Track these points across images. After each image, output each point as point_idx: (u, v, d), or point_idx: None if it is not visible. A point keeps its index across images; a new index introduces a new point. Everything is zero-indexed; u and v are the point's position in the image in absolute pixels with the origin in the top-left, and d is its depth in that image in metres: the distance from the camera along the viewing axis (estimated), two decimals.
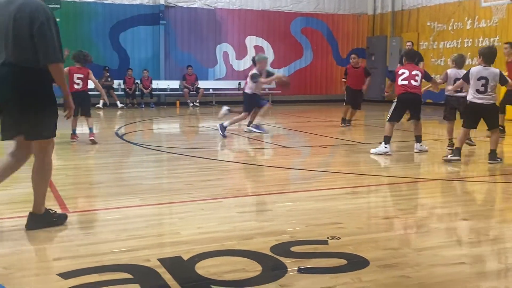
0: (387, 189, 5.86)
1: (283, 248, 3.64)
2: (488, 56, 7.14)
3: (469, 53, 16.82)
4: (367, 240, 3.87)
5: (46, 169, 4.09)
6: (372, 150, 8.05)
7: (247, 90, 10.24)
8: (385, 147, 7.92)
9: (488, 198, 5.50)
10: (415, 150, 8.18)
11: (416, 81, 8.05)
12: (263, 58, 10.57)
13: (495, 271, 3.39)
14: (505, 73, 8.71)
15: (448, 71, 8.40)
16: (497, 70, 7.22)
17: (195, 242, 3.76)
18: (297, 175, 6.66)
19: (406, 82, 8.02)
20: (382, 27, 20.93)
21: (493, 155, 7.22)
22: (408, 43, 13.86)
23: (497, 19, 14.20)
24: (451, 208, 4.97)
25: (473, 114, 7.25)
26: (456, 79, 8.06)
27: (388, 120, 8.11)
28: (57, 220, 4.18)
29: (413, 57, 8.83)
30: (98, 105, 15.79)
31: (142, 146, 8.93)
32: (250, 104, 10.26)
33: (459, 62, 8.46)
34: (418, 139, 8.19)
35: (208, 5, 19.30)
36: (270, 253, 3.53)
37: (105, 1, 17.90)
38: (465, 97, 7.57)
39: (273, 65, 19.89)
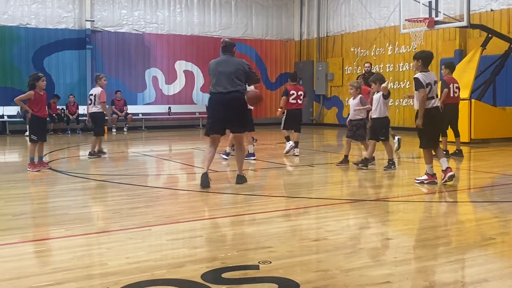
0: (316, 211, 5.98)
1: (214, 275, 3.63)
2: None
3: (390, 77, 17.58)
4: (298, 263, 3.92)
5: (243, 149, 7.65)
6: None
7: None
8: (289, 143, 10.88)
9: (411, 217, 5.72)
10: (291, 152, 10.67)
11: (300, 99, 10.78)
12: None
13: None
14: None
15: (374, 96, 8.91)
16: None
17: (124, 273, 3.67)
18: (229, 199, 6.67)
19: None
20: (309, 52, 21.55)
21: None
22: (367, 65, 13.58)
23: (415, 45, 14.94)
24: (376, 228, 5.13)
25: None
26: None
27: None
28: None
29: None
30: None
31: (68, 174, 8.66)
32: None
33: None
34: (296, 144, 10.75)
35: (136, 30, 19.16)
36: (201, 281, 3.51)
37: (28, 25, 17.40)
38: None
39: (203, 90, 19.95)
